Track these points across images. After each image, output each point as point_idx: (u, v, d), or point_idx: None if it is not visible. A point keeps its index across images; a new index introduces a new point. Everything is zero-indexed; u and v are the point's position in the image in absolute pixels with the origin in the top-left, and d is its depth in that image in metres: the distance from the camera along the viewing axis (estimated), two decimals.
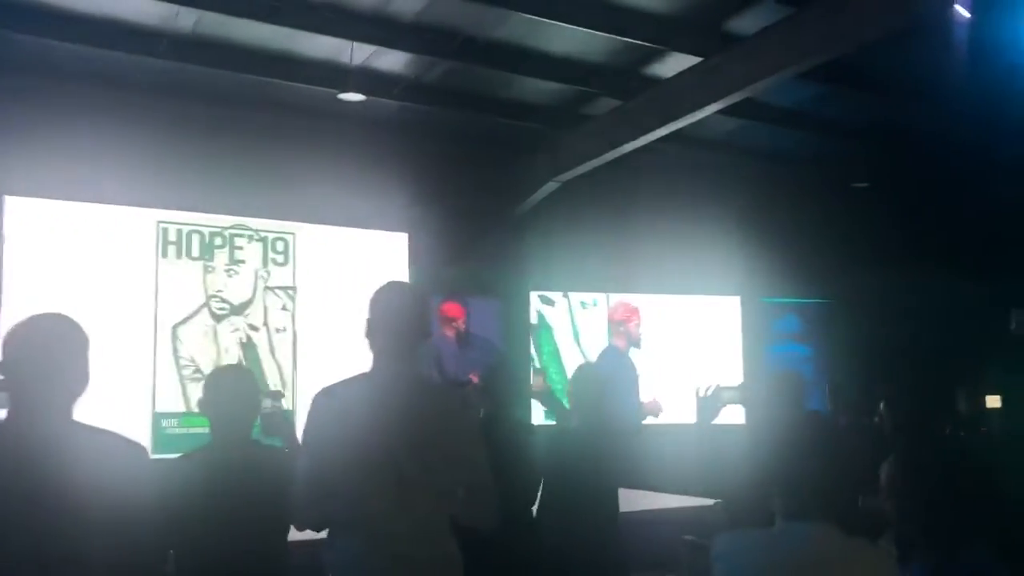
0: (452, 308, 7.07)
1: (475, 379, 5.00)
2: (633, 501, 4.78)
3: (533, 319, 8.23)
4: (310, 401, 2.52)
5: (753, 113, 7.20)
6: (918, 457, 2.41)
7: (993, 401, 5.52)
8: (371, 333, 2.50)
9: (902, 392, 3.93)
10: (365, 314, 2.53)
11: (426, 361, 7.23)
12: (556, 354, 8.17)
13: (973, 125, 7.27)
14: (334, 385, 2.50)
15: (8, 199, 6.25)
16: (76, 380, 1.96)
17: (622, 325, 5.90)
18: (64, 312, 2.05)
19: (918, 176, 8.57)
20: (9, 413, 1.93)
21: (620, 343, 5.92)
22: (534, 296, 8.22)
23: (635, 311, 5.96)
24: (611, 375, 4.94)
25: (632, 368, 5.76)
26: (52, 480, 1.82)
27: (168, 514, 2.23)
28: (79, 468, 1.86)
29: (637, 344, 5.98)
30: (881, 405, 3.90)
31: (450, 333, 7.08)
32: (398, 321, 2.48)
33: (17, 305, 6.03)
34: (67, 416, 1.94)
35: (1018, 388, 6.33)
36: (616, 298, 7.81)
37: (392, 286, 2.61)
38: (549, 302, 8.25)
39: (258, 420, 2.86)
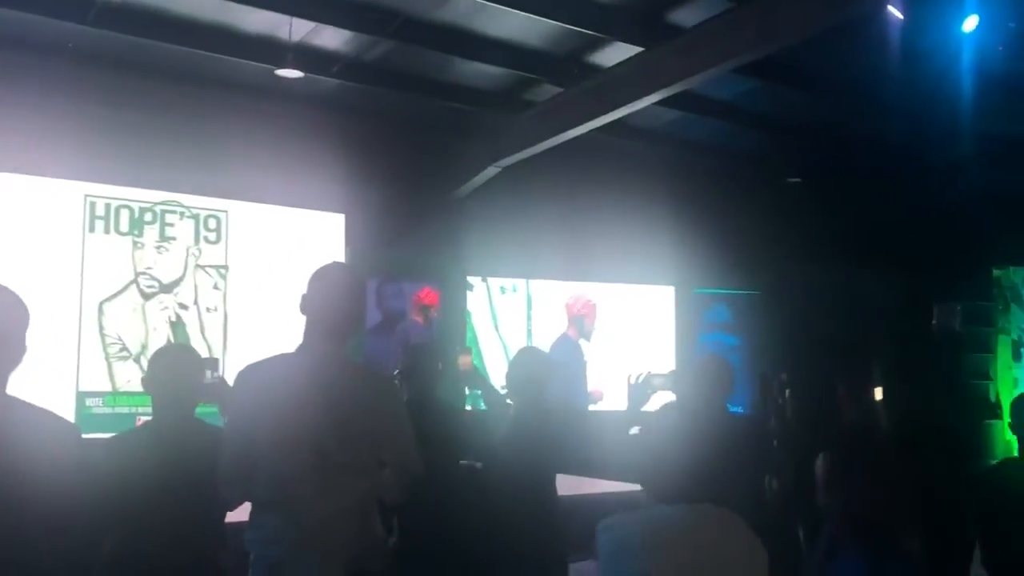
0: (428, 295, 7.12)
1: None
2: (575, 486, 4.83)
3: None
4: (234, 379, 2.51)
5: (691, 105, 7.28)
6: (844, 451, 2.50)
7: (902, 393, 5.70)
8: (305, 311, 2.49)
9: (808, 383, 4.04)
10: (303, 291, 2.53)
11: (395, 344, 7.28)
12: (475, 340, 8.18)
13: (903, 125, 7.49)
14: (259, 362, 2.49)
15: None
16: (13, 354, 1.92)
17: (583, 319, 6.37)
18: (5, 285, 2.00)
19: (848, 173, 8.79)
20: None
21: (573, 333, 6.34)
22: (573, 287, 8.19)
23: (593, 307, 6.42)
24: (567, 362, 5.05)
25: (583, 356, 6.01)
26: None
27: (109, 492, 2.20)
28: (13, 444, 1.83)
29: (588, 337, 6.41)
30: (786, 393, 3.99)
31: (419, 319, 7.12)
32: (333, 302, 2.48)
33: None
34: (2, 391, 1.90)
35: (939, 381, 6.56)
36: (565, 287, 7.86)
37: (333, 267, 2.61)
38: (469, 287, 8.25)
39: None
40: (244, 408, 2.45)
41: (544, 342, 6.52)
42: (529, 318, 8.34)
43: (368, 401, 2.47)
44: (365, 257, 7.67)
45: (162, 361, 2.80)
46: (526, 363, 3.97)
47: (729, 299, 9.52)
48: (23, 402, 1.94)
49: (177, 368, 2.74)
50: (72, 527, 1.88)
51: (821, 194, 9.08)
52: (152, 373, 2.75)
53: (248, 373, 2.47)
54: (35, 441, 1.87)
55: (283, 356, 2.50)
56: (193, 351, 3.00)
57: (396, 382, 4.05)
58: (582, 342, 6.37)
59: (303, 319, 2.51)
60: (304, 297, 2.49)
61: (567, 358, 5.40)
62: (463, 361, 4.58)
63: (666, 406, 2.46)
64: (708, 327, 9.28)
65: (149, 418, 2.77)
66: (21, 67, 6.21)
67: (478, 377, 4.48)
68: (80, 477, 1.94)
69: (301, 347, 2.49)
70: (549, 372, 4.02)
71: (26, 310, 1.97)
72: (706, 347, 8.87)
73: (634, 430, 2.44)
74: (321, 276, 2.53)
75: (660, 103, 6.59)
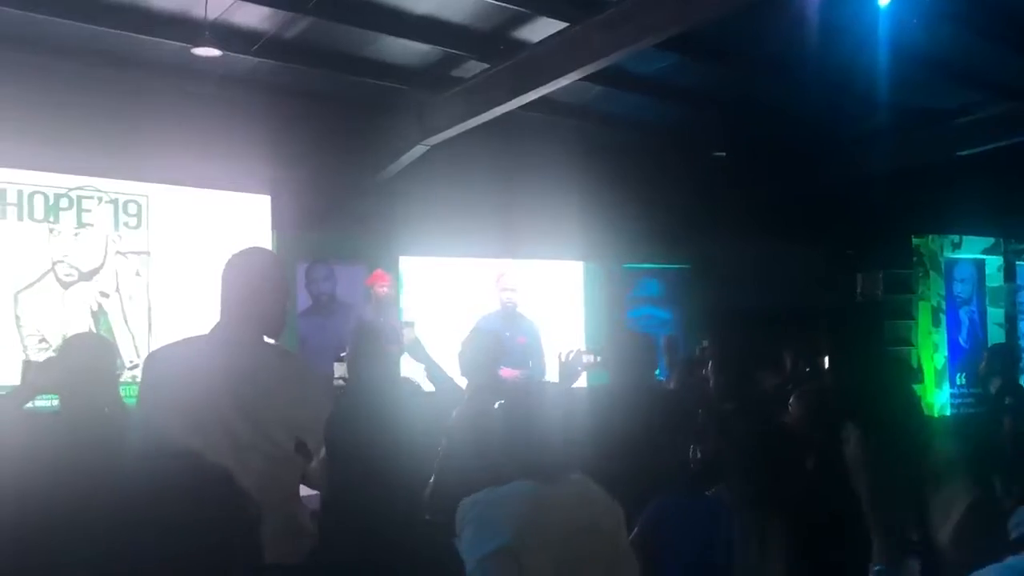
0: (379, 275, 7.07)
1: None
2: None
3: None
4: (143, 363, 2.47)
5: (616, 80, 7.30)
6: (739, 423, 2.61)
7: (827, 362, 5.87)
8: (222, 295, 2.49)
9: (728, 351, 4.14)
10: (219, 275, 2.53)
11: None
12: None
13: (822, 98, 7.63)
14: (170, 345, 2.46)
15: None
16: None
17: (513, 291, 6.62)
18: None
19: (770, 146, 8.94)
20: None
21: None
22: (410, 261, 8.14)
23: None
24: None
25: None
26: None
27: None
28: None
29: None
30: (709, 365, 4.09)
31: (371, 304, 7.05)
32: (248, 285, 2.47)
33: None
34: None
35: (858, 350, 6.76)
36: (489, 264, 7.87)
37: (250, 251, 2.62)
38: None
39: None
40: (153, 394, 2.40)
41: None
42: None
43: (284, 385, 2.45)
44: (293, 239, 7.56)
45: (72, 351, 2.70)
46: (480, 342, 3.98)
47: (659, 273, 9.65)
48: None
49: (87, 358, 2.64)
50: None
51: (744, 167, 9.22)
52: (59, 365, 2.64)
53: (159, 356, 2.43)
54: None
55: (195, 339, 2.47)
56: (104, 340, 2.91)
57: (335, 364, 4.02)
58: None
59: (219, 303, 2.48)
60: (221, 281, 2.48)
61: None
62: (405, 335, 4.55)
63: (531, 381, 2.51)
64: (638, 301, 9.38)
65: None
66: None
67: (421, 351, 4.43)
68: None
69: (215, 329, 2.46)
70: (502, 350, 4.05)
71: None
72: (636, 322, 8.98)
73: (497, 404, 2.46)
74: (237, 260, 2.53)
75: (585, 79, 6.59)
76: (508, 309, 6.60)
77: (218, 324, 2.47)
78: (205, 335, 2.47)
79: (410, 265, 8.18)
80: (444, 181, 7.96)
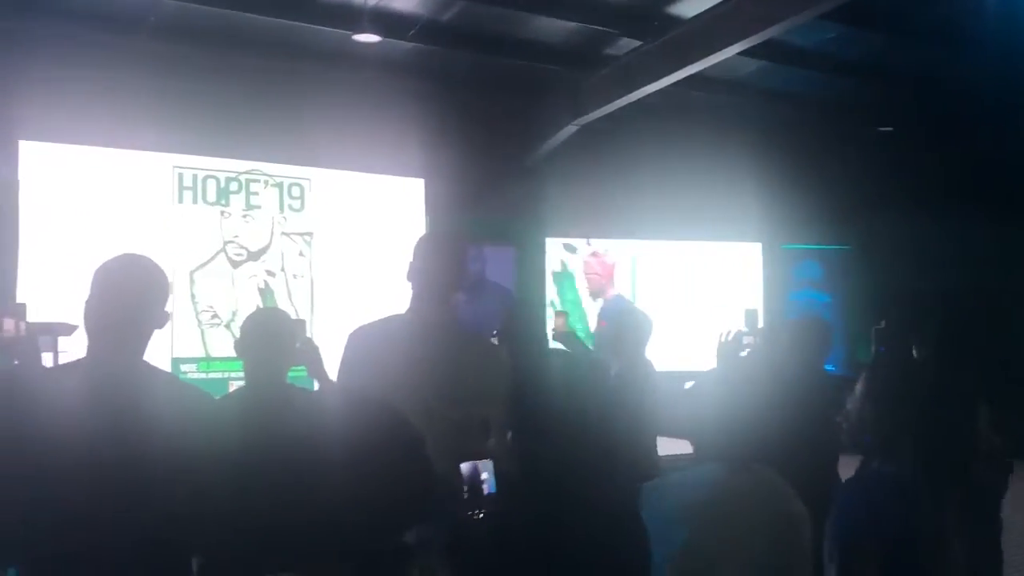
0: None
1: None
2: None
3: (557, 267, 8.16)
4: (347, 339, 2.58)
5: (776, 54, 7.04)
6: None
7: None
8: (411, 276, 2.58)
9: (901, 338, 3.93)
10: (408, 258, 2.62)
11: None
12: (578, 302, 8.11)
13: (996, 66, 7.09)
14: (371, 323, 2.57)
15: (23, 144, 6.22)
16: (154, 322, 1.99)
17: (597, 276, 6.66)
18: (145, 256, 2.08)
19: (941, 119, 8.40)
20: (88, 351, 1.95)
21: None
22: (557, 243, 8.14)
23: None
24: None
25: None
26: (124, 419, 1.85)
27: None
28: (151, 409, 1.89)
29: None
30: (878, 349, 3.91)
31: None
32: (434, 267, 2.56)
33: (34, 250, 6.04)
34: (140, 357, 1.97)
35: None
36: (635, 245, 7.77)
37: (436, 232, 2.79)
38: (571, 249, 8.18)
39: None
40: (356, 368, 2.49)
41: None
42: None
43: (475, 363, 2.53)
44: (444, 221, 7.68)
45: (253, 325, 2.79)
46: (625, 318, 3.94)
47: (819, 254, 9.25)
48: (159, 369, 2.04)
49: (269, 331, 2.73)
50: (196, 490, 1.91)
51: (913, 142, 8.71)
52: (244, 337, 2.75)
53: (360, 334, 2.54)
54: (170, 407, 1.93)
55: (394, 317, 2.58)
56: (284, 313, 3.00)
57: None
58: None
59: (409, 284, 2.60)
60: (410, 264, 2.58)
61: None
62: (558, 323, 4.56)
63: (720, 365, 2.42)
64: (798, 284, 9.04)
65: (242, 383, 2.80)
66: (107, 44, 6.36)
67: (574, 340, 4.43)
68: (206, 444, 1.97)
69: (409, 310, 2.56)
70: (648, 331, 3.99)
71: (166, 279, 2.06)
72: (796, 305, 8.66)
73: (687, 384, 2.40)
74: (425, 242, 2.63)
75: (743, 53, 6.38)
76: (593, 292, 6.44)
77: (412, 305, 2.56)
78: (402, 314, 2.59)
79: (554, 247, 8.17)
80: (594, 160, 7.90)
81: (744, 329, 3.89)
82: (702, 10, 6.23)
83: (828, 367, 4.08)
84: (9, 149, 6.20)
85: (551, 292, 8.04)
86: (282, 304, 6.97)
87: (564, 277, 8.19)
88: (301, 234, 7.15)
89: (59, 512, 1.78)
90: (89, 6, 6.06)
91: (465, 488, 2.10)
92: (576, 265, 8.15)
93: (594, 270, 6.37)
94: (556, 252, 8.13)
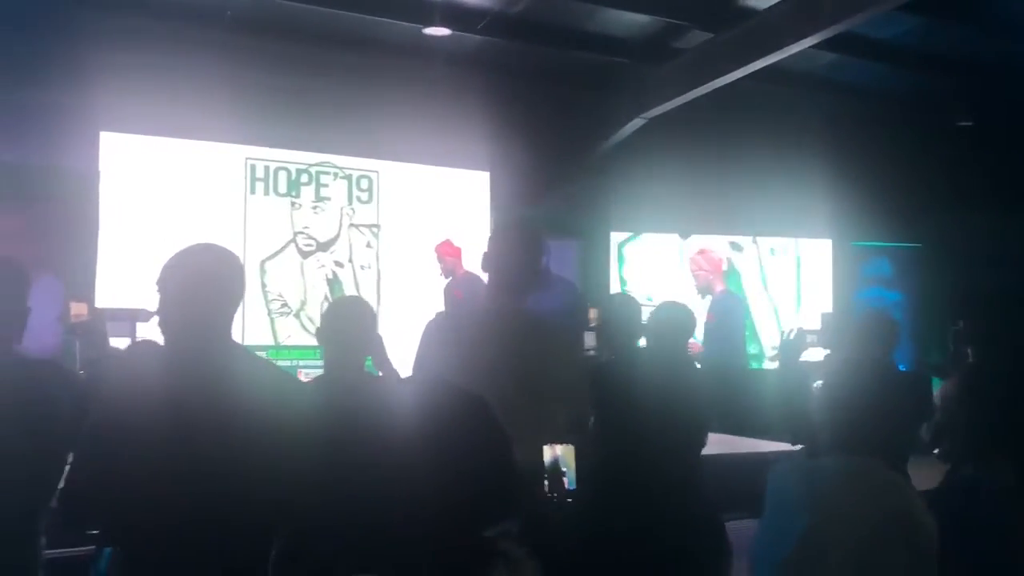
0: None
1: None
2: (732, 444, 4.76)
3: (649, 261, 8.10)
4: (423, 329, 2.59)
5: (851, 47, 6.88)
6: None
7: None
8: (487, 267, 2.61)
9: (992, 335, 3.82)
10: (482, 248, 2.66)
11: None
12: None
13: None
14: (447, 315, 2.59)
15: (103, 135, 6.41)
16: (230, 303, 2.03)
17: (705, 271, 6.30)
18: (220, 243, 2.13)
19: (1022, 113, 8.13)
20: (169, 338, 2.00)
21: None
22: (723, 241, 8.07)
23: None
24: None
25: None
26: (214, 402, 1.88)
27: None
28: (239, 388, 1.92)
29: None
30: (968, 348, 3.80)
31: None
32: (512, 258, 2.57)
33: (113, 237, 6.22)
34: (223, 338, 2.02)
35: None
36: (701, 240, 7.68)
37: (511, 224, 2.79)
38: (738, 248, 8.13)
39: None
40: (433, 357, 2.52)
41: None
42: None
43: (552, 354, 2.52)
44: (509, 214, 7.69)
45: (336, 313, 2.83)
46: (731, 312, 3.89)
47: (890, 252, 9.04)
48: (246, 350, 2.10)
49: (352, 320, 2.77)
50: (284, 473, 1.93)
51: (991, 137, 8.44)
52: (326, 325, 2.79)
53: (437, 324, 2.57)
54: (259, 388, 1.96)
55: (469, 309, 2.59)
56: (366, 303, 3.03)
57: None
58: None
59: (486, 275, 2.63)
60: (484, 255, 2.61)
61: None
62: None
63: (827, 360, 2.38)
64: (867, 282, 8.85)
65: (312, 371, 2.84)
66: (184, 38, 6.49)
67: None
68: (294, 425, 2.00)
69: (486, 301, 2.59)
70: (691, 325, 3.94)
71: (240, 265, 2.11)
72: (864, 303, 8.48)
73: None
74: (502, 233, 2.68)
75: (816, 46, 6.25)
76: (700, 288, 6.35)
77: (488, 295, 2.57)
78: (480, 304, 2.60)
79: (619, 240, 8.12)
80: (661, 154, 7.82)
81: (806, 326, 3.81)
82: (776, 1, 6.12)
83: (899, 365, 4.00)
84: (90, 140, 6.39)
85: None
86: (349, 294, 7.06)
87: (731, 275, 8.03)
88: (369, 226, 7.24)
89: (153, 492, 1.82)
90: (168, 3, 6.19)
91: (546, 477, 2.10)
92: (743, 264, 8.09)
93: (701, 267, 6.31)
94: (723, 251, 8.05)
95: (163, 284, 1.99)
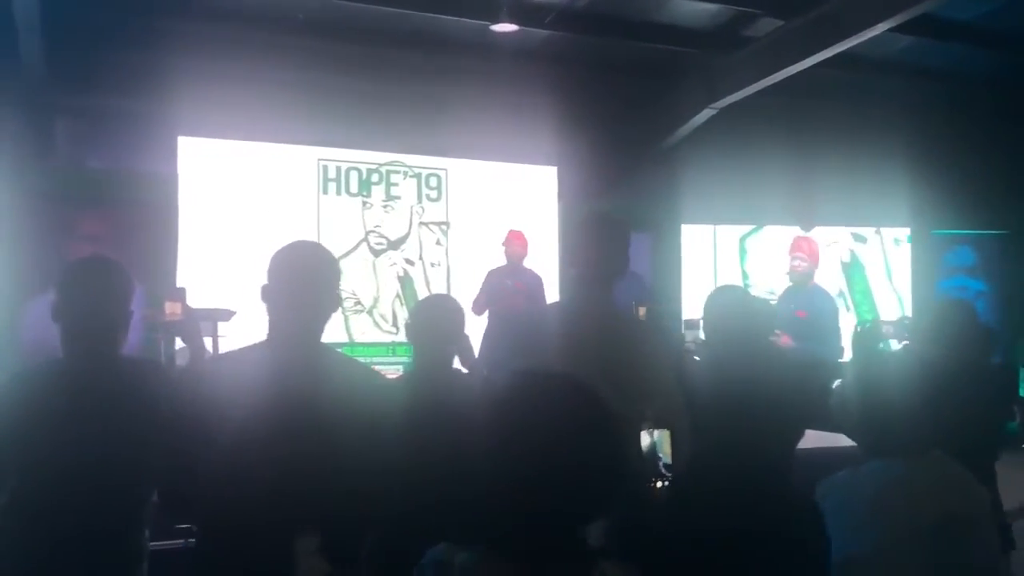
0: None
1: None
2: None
3: (846, 257, 7.98)
4: (490, 323, 2.60)
5: (928, 29, 6.67)
6: None
7: None
8: (573, 261, 2.63)
9: None
10: (565, 242, 2.66)
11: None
12: (868, 292, 7.93)
13: None
14: (527, 312, 2.59)
15: (182, 139, 6.58)
16: (329, 306, 2.05)
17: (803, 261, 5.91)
18: (319, 243, 2.20)
19: None
20: (269, 335, 2.03)
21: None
22: (845, 232, 7.95)
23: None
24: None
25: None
26: (309, 401, 1.91)
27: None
28: (334, 391, 1.95)
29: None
30: None
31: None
32: (592, 252, 2.57)
33: (192, 239, 6.38)
34: (319, 340, 2.04)
35: None
36: (774, 231, 7.55)
37: (592, 218, 2.73)
38: (861, 239, 8.00)
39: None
40: (521, 352, 2.55)
41: None
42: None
43: (633, 342, 2.53)
44: (577, 208, 7.66)
45: (428, 311, 2.86)
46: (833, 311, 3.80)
47: (973, 240, 8.75)
48: (338, 351, 2.12)
49: (435, 317, 2.80)
50: (378, 471, 1.96)
51: None
52: (417, 322, 2.81)
53: (524, 319, 2.58)
54: (352, 388, 2.00)
55: (554, 304, 2.59)
56: (455, 301, 3.05)
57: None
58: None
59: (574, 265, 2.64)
60: (567, 250, 2.63)
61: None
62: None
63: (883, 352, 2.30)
64: (949, 271, 8.58)
65: (384, 367, 2.88)
66: (257, 42, 6.61)
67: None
68: (385, 424, 2.02)
69: (568, 296, 2.60)
70: (775, 317, 3.87)
71: (338, 266, 2.12)
72: (947, 293, 8.22)
73: (837, 383, 2.28)
74: (586, 226, 2.66)
75: (893, 29, 6.08)
76: (798, 276, 5.99)
77: (573, 290, 2.59)
78: (561, 299, 2.61)
79: (692, 233, 8.01)
80: (733, 146, 7.70)
81: (880, 318, 3.69)
82: None
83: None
84: (169, 145, 6.57)
85: (840, 283, 7.83)
86: (421, 292, 7.13)
87: (853, 268, 7.98)
88: (438, 223, 7.29)
89: (250, 489, 1.86)
90: (240, 5, 6.31)
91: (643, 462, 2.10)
92: (867, 256, 7.95)
93: (804, 252, 5.88)
94: (845, 242, 7.95)
95: (272, 282, 2.01)
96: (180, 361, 4.85)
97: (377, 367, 6.55)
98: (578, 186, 7.77)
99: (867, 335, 3.75)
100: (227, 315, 4.28)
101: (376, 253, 7.09)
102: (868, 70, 7.38)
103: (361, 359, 6.66)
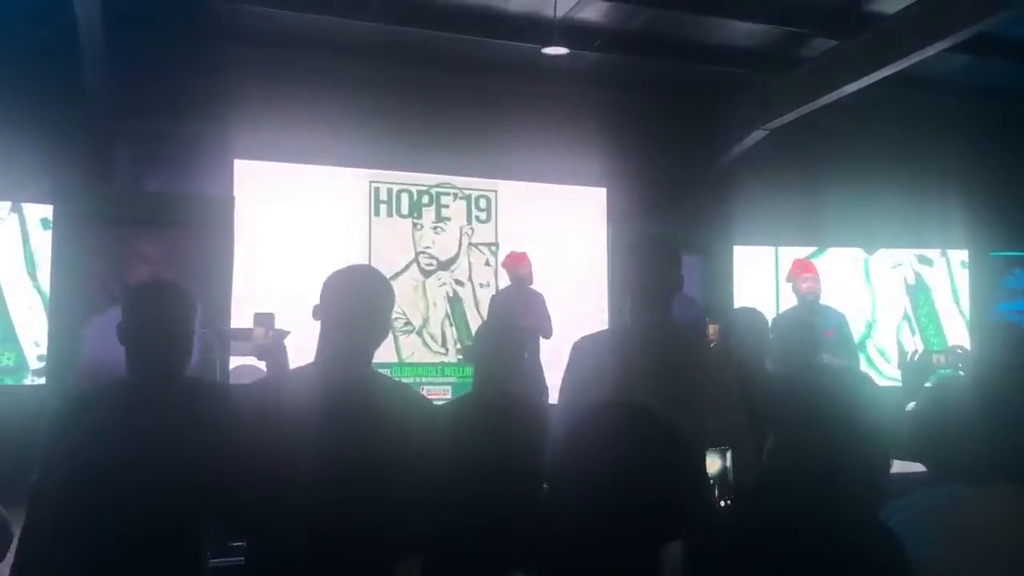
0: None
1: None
2: None
3: (911, 278, 7.90)
4: (571, 349, 2.63)
5: (985, 48, 6.57)
6: None
7: None
8: (626, 286, 2.63)
9: None
10: (622, 266, 2.76)
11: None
12: (934, 316, 7.83)
13: None
14: (594, 334, 2.62)
15: (237, 162, 6.70)
16: (381, 331, 2.06)
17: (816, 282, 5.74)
18: (374, 267, 2.20)
19: None
20: (317, 356, 2.04)
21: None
22: (910, 255, 7.88)
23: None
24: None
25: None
26: (356, 424, 1.92)
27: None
28: (381, 415, 1.95)
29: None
30: None
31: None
32: (644, 275, 2.57)
33: (247, 260, 6.48)
34: (369, 364, 2.05)
35: None
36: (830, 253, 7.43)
37: (642, 242, 2.76)
38: (927, 261, 7.90)
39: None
40: (582, 377, 2.54)
41: None
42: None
43: (693, 362, 2.53)
44: (626, 230, 7.64)
45: (488, 335, 2.88)
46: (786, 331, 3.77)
47: None
48: (386, 376, 2.12)
49: (496, 342, 2.81)
50: (425, 494, 1.97)
51: None
52: (478, 347, 2.83)
53: (584, 343, 2.59)
54: (400, 413, 1.99)
55: (614, 327, 2.59)
56: (518, 328, 3.07)
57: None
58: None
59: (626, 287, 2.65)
60: (619, 274, 2.64)
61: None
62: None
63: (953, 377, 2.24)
64: (1009, 295, 8.37)
65: (433, 388, 2.89)
66: (310, 66, 6.74)
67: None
68: (435, 449, 2.03)
69: (629, 318, 2.60)
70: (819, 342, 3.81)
71: (392, 292, 2.11)
72: (1006, 317, 8.02)
73: (910, 405, 2.23)
74: (637, 249, 2.67)
75: (949, 48, 5.99)
76: (808, 300, 5.90)
77: (632, 313, 2.58)
78: (624, 322, 2.63)
79: (745, 255, 7.92)
80: (783, 166, 7.63)
81: (931, 349, 3.60)
82: (903, 6, 5.90)
83: None
84: (225, 168, 6.70)
85: (904, 304, 7.77)
86: (470, 312, 7.16)
87: (920, 291, 7.88)
88: (487, 244, 7.32)
89: (302, 510, 1.88)
90: (293, 31, 6.43)
91: (714, 483, 2.09)
92: (933, 279, 7.87)
93: (812, 275, 5.83)
94: (911, 265, 7.88)
95: (325, 303, 2.03)
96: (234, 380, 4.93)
97: (425, 387, 6.65)
98: (627, 207, 7.75)
99: (918, 366, 3.66)
100: (282, 335, 4.36)
101: (426, 274, 7.14)
102: (923, 88, 7.29)
103: (409, 379, 6.77)
